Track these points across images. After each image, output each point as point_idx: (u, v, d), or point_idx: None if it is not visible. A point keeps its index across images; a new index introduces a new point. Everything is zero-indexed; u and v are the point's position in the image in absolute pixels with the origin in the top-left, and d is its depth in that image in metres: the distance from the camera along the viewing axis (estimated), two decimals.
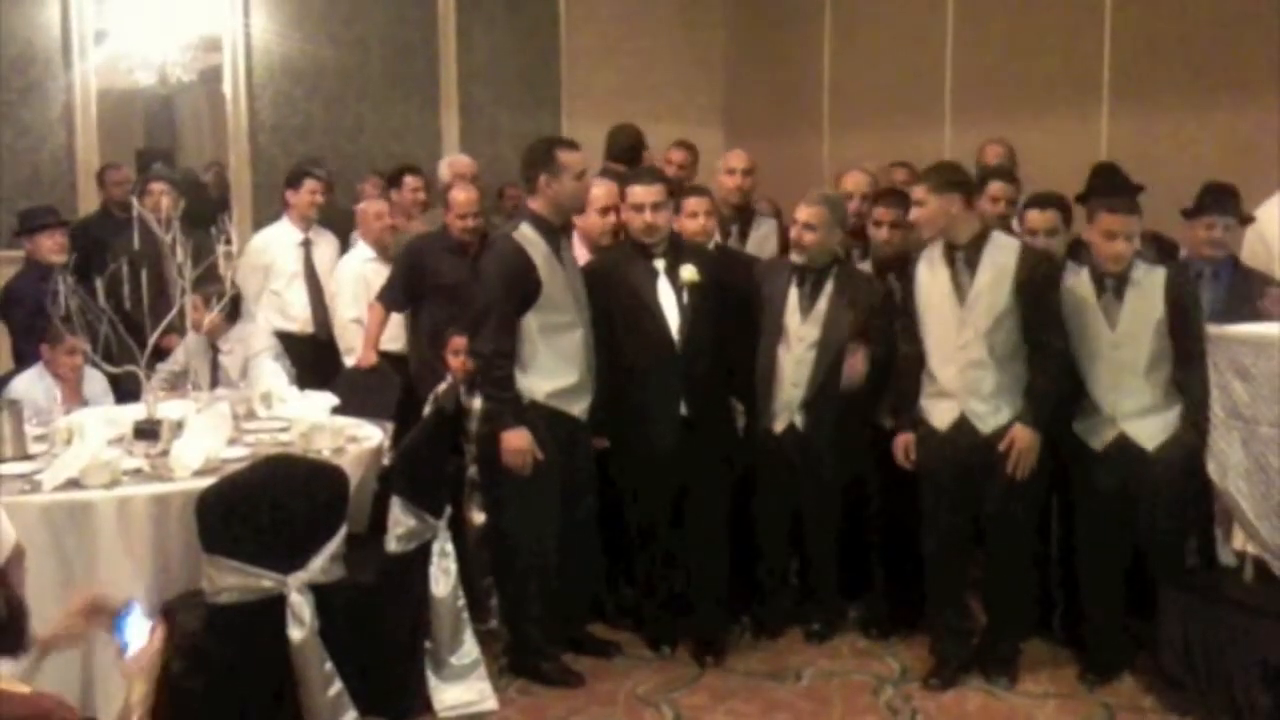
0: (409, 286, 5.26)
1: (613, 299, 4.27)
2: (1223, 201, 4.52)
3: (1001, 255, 4.02)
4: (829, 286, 4.38)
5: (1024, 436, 3.97)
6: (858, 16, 8.23)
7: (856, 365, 4.29)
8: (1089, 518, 4.13)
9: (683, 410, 4.25)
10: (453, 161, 6.42)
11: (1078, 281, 4.06)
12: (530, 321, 4.05)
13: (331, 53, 7.60)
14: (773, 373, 4.39)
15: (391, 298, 5.32)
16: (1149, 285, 3.95)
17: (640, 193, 4.27)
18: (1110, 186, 4.94)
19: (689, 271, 4.26)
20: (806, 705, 4.07)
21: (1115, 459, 3.99)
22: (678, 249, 4.33)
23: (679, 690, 4.15)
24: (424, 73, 8.01)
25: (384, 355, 5.34)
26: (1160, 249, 4.51)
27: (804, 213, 4.38)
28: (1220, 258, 4.45)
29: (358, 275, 5.63)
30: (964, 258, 4.04)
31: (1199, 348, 3.92)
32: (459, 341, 4.41)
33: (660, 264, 4.27)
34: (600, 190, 4.66)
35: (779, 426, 4.39)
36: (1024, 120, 6.77)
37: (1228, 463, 3.87)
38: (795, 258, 4.42)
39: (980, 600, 4.36)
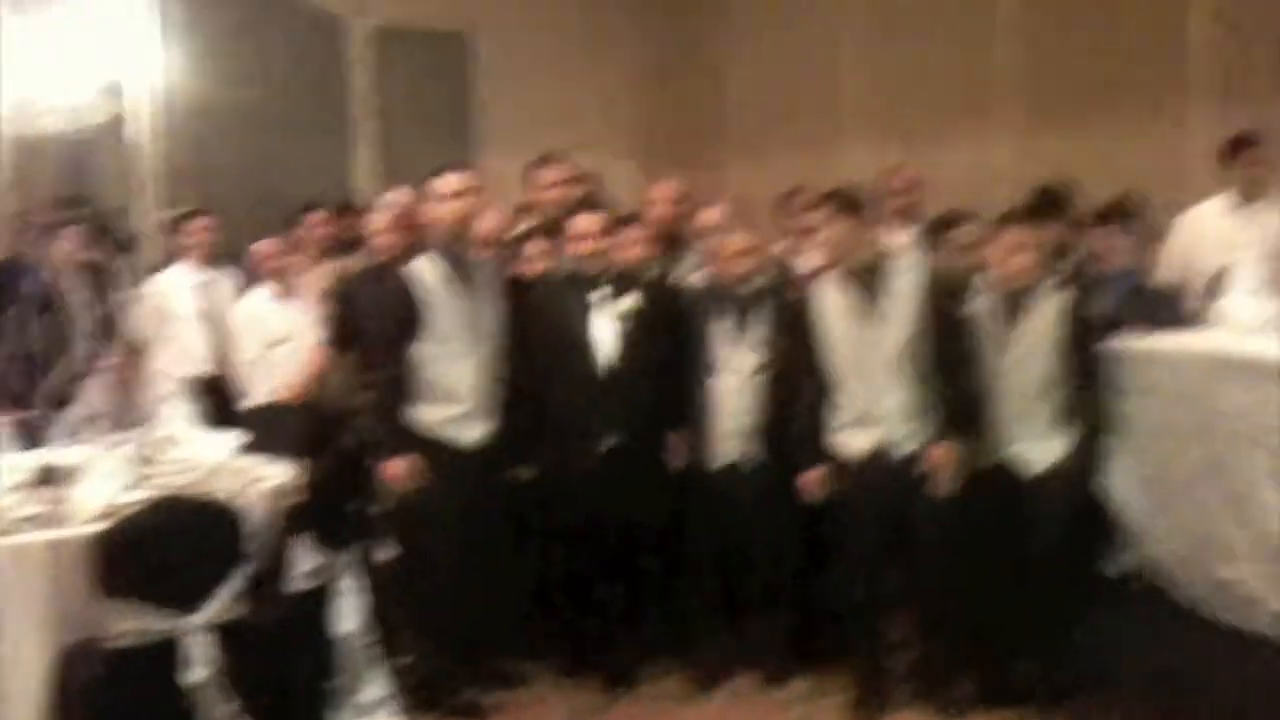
0: (345, 326, 5.08)
1: (550, 325, 4.31)
2: (1120, 214, 4.64)
3: (905, 276, 4.07)
4: (757, 312, 4.39)
5: (942, 453, 4.00)
6: (760, 46, 8.38)
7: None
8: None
9: (611, 441, 4.28)
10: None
11: (980, 302, 4.11)
12: (419, 350, 4.11)
13: (241, 92, 7.57)
14: (708, 404, 4.37)
15: (331, 340, 5.21)
16: (1046, 309, 3.99)
17: (584, 223, 4.32)
18: (1048, 208, 5.04)
19: (628, 302, 4.30)
20: None
21: (997, 482, 4.01)
22: (616, 278, 4.37)
23: (590, 718, 4.18)
24: (336, 109, 8.02)
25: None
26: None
27: (734, 243, 4.40)
28: (1117, 270, 4.55)
29: (254, 315, 5.63)
30: (865, 281, 4.06)
31: (1095, 375, 3.96)
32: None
33: (600, 292, 4.31)
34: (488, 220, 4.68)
35: (718, 460, 4.37)
36: (922, 140, 6.92)
37: (1116, 473, 3.98)
38: (737, 285, 4.40)
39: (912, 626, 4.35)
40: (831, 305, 4.13)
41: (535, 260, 4.78)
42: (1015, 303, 4.00)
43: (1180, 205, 5.38)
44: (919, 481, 3.99)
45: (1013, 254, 3.96)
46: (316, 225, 6.05)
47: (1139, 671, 3.91)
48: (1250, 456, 3.60)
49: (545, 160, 5.51)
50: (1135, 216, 4.69)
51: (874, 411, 4.04)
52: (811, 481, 4.16)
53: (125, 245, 6.81)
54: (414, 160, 8.11)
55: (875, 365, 4.03)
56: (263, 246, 5.76)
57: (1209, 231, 5.18)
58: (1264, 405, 3.57)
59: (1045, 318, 3.97)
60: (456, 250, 4.21)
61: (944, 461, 3.97)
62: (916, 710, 4.16)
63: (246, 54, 7.66)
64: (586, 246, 4.30)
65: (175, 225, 6.04)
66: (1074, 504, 3.96)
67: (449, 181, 4.21)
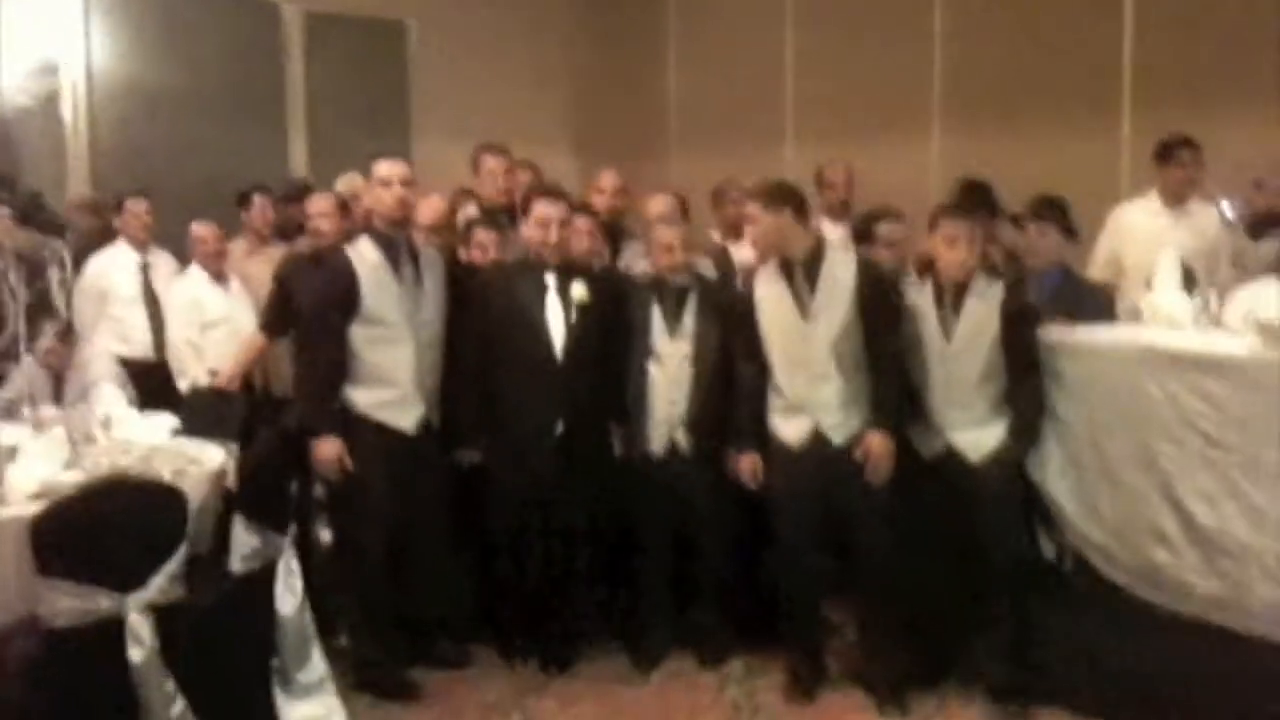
0: (282, 310, 5.12)
1: (499, 312, 4.31)
2: (1047, 212, 4.75)
3: (839, 268, 4.10)
4: (692, 302, 4.44)
5: (877, 442, 4.03)
6: (702, 41, 8.47)
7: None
8: (914, 524, 4.15)
9: (559, 429, 4.30)
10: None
11: (919, 294, 4.16)
12: (355, 333, 4.12)
13: (174, 75, 7.49)
14: (645, 393, 4.41)
15: (266, 324, 5.24)
16: (987, 300, 4.03)
17: (546, 210, 4.32)
18: (974, 202, 5.15)
19: (580, 290, 4.31)
20: (653, 706, 4.17)
21: (942, 469, 4.07)
22: (568, 267, 4.38)
23: (528, 697, 4.22)
24: (269, 94, 7.94)
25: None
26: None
27: (666, 234, 4.45)
28: (1043, 266, 4.64)
29: (190, 297, 5.59)
30: (802, 273, 4.11)
31: (1034, 366, 4.03)
32: None
33: (551, 280, 4.32)
34: (422, 208, 4.71)
35: (657, 447, 4.41)
36: (860, 140, 7.03)
37: (1047, 461, 4.08)
38: (658, 276, 4.46)
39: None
40: (767, 296, 4.19)
41: (486, 247, 4.78)
42: (955, 293, 4.06)
43: (1111, 204, 5.54)
44: (854, 469, 4.04)
45: (950, 246, 4.01)
46: (264, 209, 6.01)
47: (1072, 652, 4.01)
48: (1178, 445, 3.73)
49: (491, 148, 5.52)
50: (1062, 214, 4.80)
51: (809, 400, 4.09)
52: (745, 467, 4.22)
53: (55, 227, 6.72)
54: (349, 147, 8.09)
55: (810, 355, 4.08)
56: (201, 230, 5.71)
57: (1139, 230, 5.35)
58: (1190, 395, 3.70)
59: (986, 311, 4.03)
60: (393, 235, 4.21)
61: (880, 451, 4.03)
62: (850, 690, 4.23)
63: (180, 37, 7.57)
64: (548, 234, 4.30)
65: (115, 206, 5.95)
66: (1013, 491, 4.04)
67: (382, 169, 4.22)
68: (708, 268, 4.96)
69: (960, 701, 4.12)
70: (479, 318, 4.32)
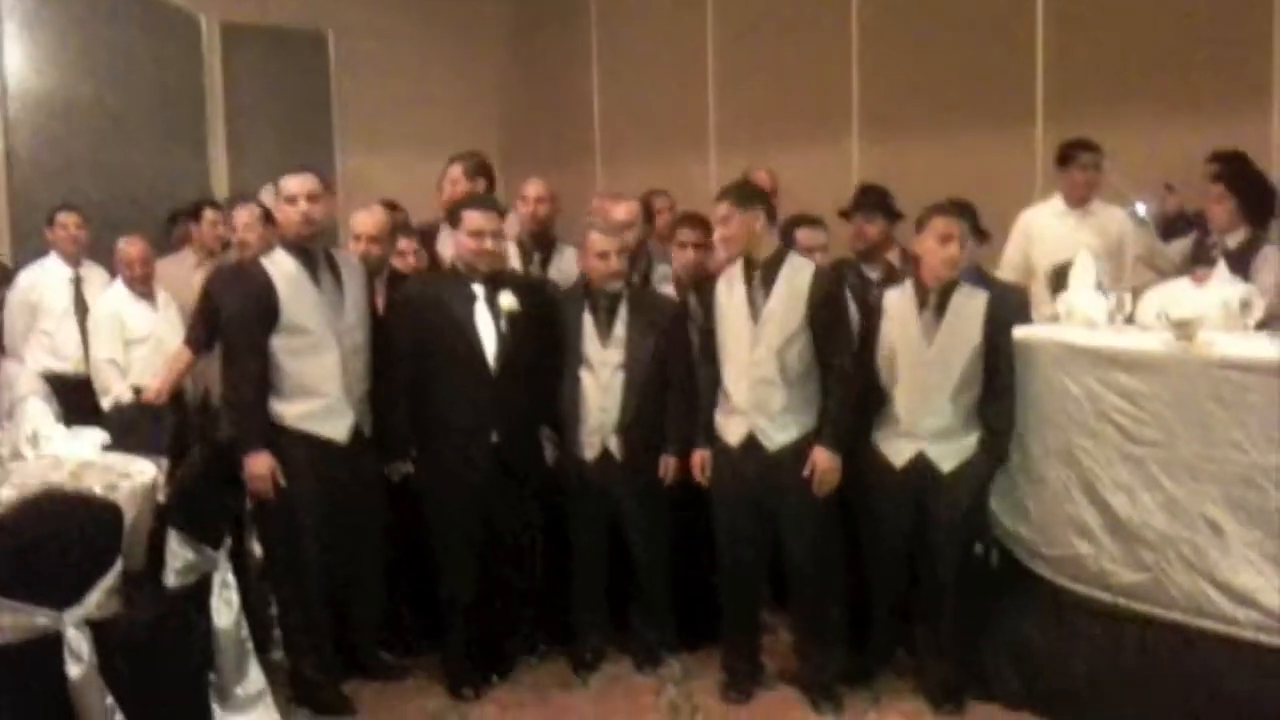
0: (208, 322, 5.04)
1: (429, 323, 4.27)
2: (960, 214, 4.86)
3: (796, 275, 4.10)
4: (623, 310, 4.44)
5: (823, 458, 4.04)
6: (624, 51, 8.56)
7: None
8: (877, 530, 4.20)
9: (494, 438, 4.28)
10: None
11: (900, 297, 4.13)
12: (277, 345, 4.09)
13: (92, 88, 7.40)
14: (578, 400, 4.41)
15: (190, 339, 5.18)
16: (970, 309, 4.03)
17: (479, 219, 4.29)
18: (874, 204, 5.25)
19: (508, 300, 4.28)
20: (592, 710, 4.21)
21: (911, 476, 4.06)
22: (495, 277, 4.35)
23: (469, 704, 4.24)
24: (190, 109, 7.89)
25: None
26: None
27: (601, 242, 4.44)
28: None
29: (114, 314, 5.53)
30: (761, 276, 4.11)
31: (1010, 380, 4.03)
32: None
33: (479, 290, 4.30)
34: (362, 218, 4.69)
35: (590, 454, 4.41)
36: (782, 149, 7.14)
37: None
38: (600, 284, 4.44)
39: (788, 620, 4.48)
40: (724, 298, 4.20)
41: (406, 254, 4.81)
42: (940, 296, 4.04)
43: (1020, 207, 5.70)
44: (789, 474, 4.06)
45: (944, 243, 3.99)
46: (214, 223, 5.96)
47: (1000, 646, 4.12)
48: (1097, 439, 3.85)
49: (460, 158, 5.47)
50: (971, 216, 4.90)
51: (750, 403, 4.11)
52: (695, 463, 4.26)
53: None
54: (271, 159, 8.05)
55: (756, 359, 4.09)
56: (127, 246, 5.61)
57: (1045, 231, 5.51)
58: (1107, 391, 3.82)
59: (968, 321, 4.02)
60: (308, 246, 4.17)
61: (826, 467, 4.03)
62: (786, 689, 4.30)
63: (96, 48, 7.49)
64: (482, 244, 4.28)
65: (46, 220, 5.87)
66: (978, 504, 4.09)
67: (288, 184, 4.17)
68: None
69: (893, 697, 4.20)
70: (407, 329, 4.29)
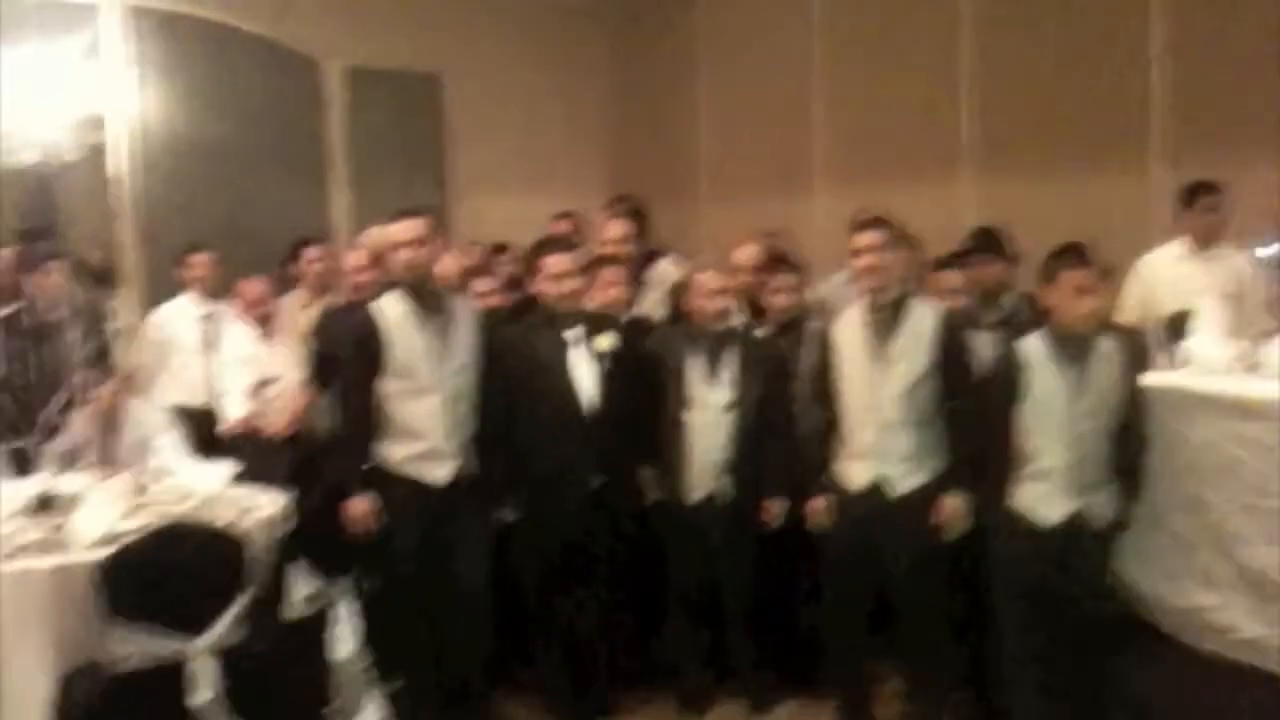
0: (321, 365, 5.14)
1: (526, 368, 4.27)
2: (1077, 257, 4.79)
3: (921, 317, 4.06)
4: (731, 350, 4.42)
5: (953, 504, 3.99)
6: (730, 89, 8.58)
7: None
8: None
9: (593, 483, 4.28)
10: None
11: (1032, 347, 3.92)
12: (384, 387, 4.14)
13: (218, 130, 7.66)
14: (682, 442, 4.39)
15: (309, 378, 5.27)
16: (1113, 353, 3.88)
17: (559, 263, 4.31)
18: (990, 247, 5.20)
19: (605, 341, 4.29)
20: None
21: (1058, 537, 3.86)
22: (591, 318, 4.36)
23: None
24: (311, 148, 8.11)
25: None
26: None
27: (714, 280, 4.43)
28: None
29: (240, 355, 5.60)
30: (884, 318, 4.06)
31: (1144, 426, 3.92)
32: None
33: (573, 333, 4.30)
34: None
35: (696, 496, 4.39)
36: (889, 187, 7.10)
37: None
38: (707, 323, 4.43)
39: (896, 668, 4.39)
40: (845, 339, 4.16)
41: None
42: (1078, 348, 3.87)
43: (1142, 246, 5.59)
44: (910, 524, 4.01)
45: (1081, 296, 3.83)
46: (313, 261, 6.09)
47: (1123, 697, 4.01)
48: (1223, 489, 3.76)
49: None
50: (1085, 262, 4.83)
51: (875, 448, 4.05)
52: (815, 509, 4.21)
53: (103, 278, 6.86)
54: (388, 198, 8.20)
55: (881, 402, 4.04)
56: (249, 288, 5.74)
57: (1165, 276, 5.37)
58: (1234, 439, 3.73)
59: (1110, 365, 3.87)
60: (420, 287, 4.20)
61: (955, 514, 3.98)
62: None
63: (223, 92, 7.76)
64: (561, 287, 4.30)
65: (179, 259, 6.07)
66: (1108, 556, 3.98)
67: (391, 232, 4.23)
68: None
69: None
70: (501, 376, 4.28)
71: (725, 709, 4.52)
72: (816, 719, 4.38)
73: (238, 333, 5.70)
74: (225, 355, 5.67)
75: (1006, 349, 4.00)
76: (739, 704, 4.52)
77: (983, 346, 4.27)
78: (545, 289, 4.34)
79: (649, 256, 5.37)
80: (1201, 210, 5.34)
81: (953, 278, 4.61)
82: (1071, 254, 3.96)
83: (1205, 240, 5.35)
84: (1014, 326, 4.42)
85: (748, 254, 5.11)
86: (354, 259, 5.30)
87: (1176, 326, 4.49)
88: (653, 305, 5.28)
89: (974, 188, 7.03)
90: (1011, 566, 3.92)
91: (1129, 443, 3.89)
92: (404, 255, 4.16)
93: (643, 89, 9.31)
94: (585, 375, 4.28)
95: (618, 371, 4.30)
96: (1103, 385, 3.86)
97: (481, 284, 4.95)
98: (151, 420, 5.08)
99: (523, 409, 4.27)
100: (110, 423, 4.99)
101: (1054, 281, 3.87)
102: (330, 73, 8.28)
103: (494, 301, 4.93)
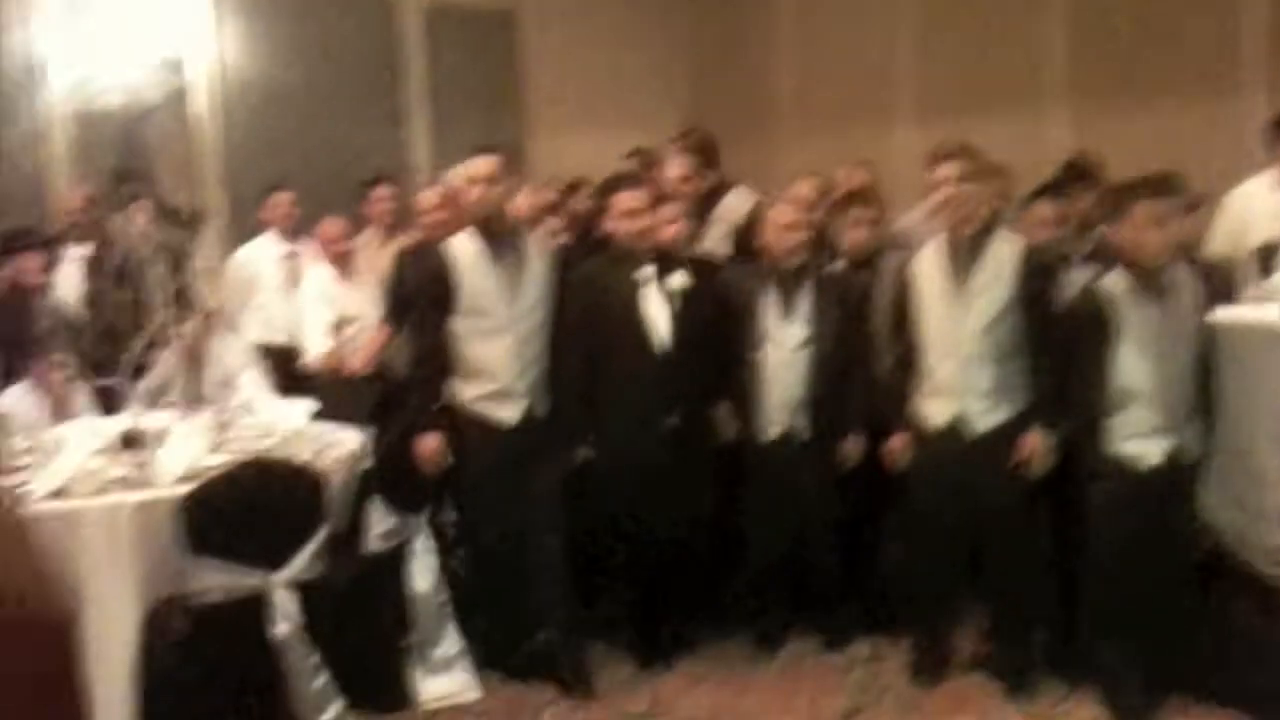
0: (397, 303, 5.18)
1: (601, 306, 4.23)
2: (1169, 188, 4.63)
3: (1003, 250, 3.97)
4: (807, 286, 4.37)
5: (1037, 440, 3.92)
6: (816, 22, 8.42)
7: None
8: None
9: (670, 421, 4.25)
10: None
11: (1113, 284, 3.82)
12: (455, 326, 4.14)
13: (299, 70, 7.70)
14: (759, 379, 4.35)
15: (385, 316, 5.33)
16: (1189, 285, 3.80)
17: (629, 199, 4.27)
18: (1083, 178, 5.06)
19: (678, 280, 4.26)
20: (778, 687, 4.20)
21: (1156, 479, 3.78)
22: (663, 256, 4.31)
23: (657, 677, 4.27)
24: (389, 88, 8.12)
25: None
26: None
27: (787, 214, 4.37)
28: None
29: (320, 293, 5.65)
30: (966, 251, 3.98)
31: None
32: None
33: (647, 271, 4.27)
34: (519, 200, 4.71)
35: (772, 433, 4.35)
36: (977, 119, 6.92)
37: None
38: (782, 258, 4.36)
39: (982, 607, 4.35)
40: (924, 274, 4.08)
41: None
42: (1156, 282, 3.78)
43: (1231, 183, 5.41)
44: (994, 459, 3.94)
45: (1156, 227, 3.71)
46: (381, 200, 6.11)
47: (1211, 636, 3.92)
48: None
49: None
50: (1176, 193, 4.67)
51: (956, 384, 3.98)
52: (894, 448, 4.16)
53: (187, 219, 6.96)
54: (466, 138, 8.20)
55: (962, 337, 3.96)
56: (328, 228, 5.75)
57: (1256, 208, 5.19)
58: None
59: (1189, 297, 3.78)
60: (493, 228, 4.18)
61: (1040, 450, 3.91)
62: (977, 675, 4.21)
63: (302, 32, 7.79)
64: (635, 224, 4.25)
65: (260, 198, 6.14)
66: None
67: (471, 167, 4.20)
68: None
69: (1088, 688, 4.03)
70: (576, 315, 4.23)
71: (799, 646, 4.51)
72: (893, 658, 4.36)
73: (318, 272, 5.74)
74: (305, 294, 5.74)
75: (1089, 288, 3.89)
76: (813, 642, 4.51)
77: (1074, 281, 4.15)
78: (616, 227, 4.31)
79: (716, 190, 5.29)
80: None
81: (1045, 209, 4.46)
82: (1144, 185, 3.84)
83: None
84: (1105, 261, 4.31)
85: (804, 189, 5.01)
86: (426, 199, 5.29)
87: (1266, 259, 4.34)
88: (716, 241, 5.21)
89: (1063, 119, 6.85)
90: (1112, 510, 3.81)
91: (1205, 375, 3.80)
92: (475, 193, 4.15)
93: (724, 19, 9.16)
94: (657, 314, 4.25)
95: (689, 310, 4.26)
96: (1183, 318, 3.77)
97: (552, 222, 4.92)
98: (234, 358, 5.17)
99: (597, 348, 4.24)
100: (194, 361, 5.09)
101: (1127, 215, 3.75)
102: (408, 12, 8.26)
103: (563, 240, 4.89)
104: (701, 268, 4.49)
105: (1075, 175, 5.09)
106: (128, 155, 7.18)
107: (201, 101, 7.47)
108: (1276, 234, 4.44)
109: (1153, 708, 3.86)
